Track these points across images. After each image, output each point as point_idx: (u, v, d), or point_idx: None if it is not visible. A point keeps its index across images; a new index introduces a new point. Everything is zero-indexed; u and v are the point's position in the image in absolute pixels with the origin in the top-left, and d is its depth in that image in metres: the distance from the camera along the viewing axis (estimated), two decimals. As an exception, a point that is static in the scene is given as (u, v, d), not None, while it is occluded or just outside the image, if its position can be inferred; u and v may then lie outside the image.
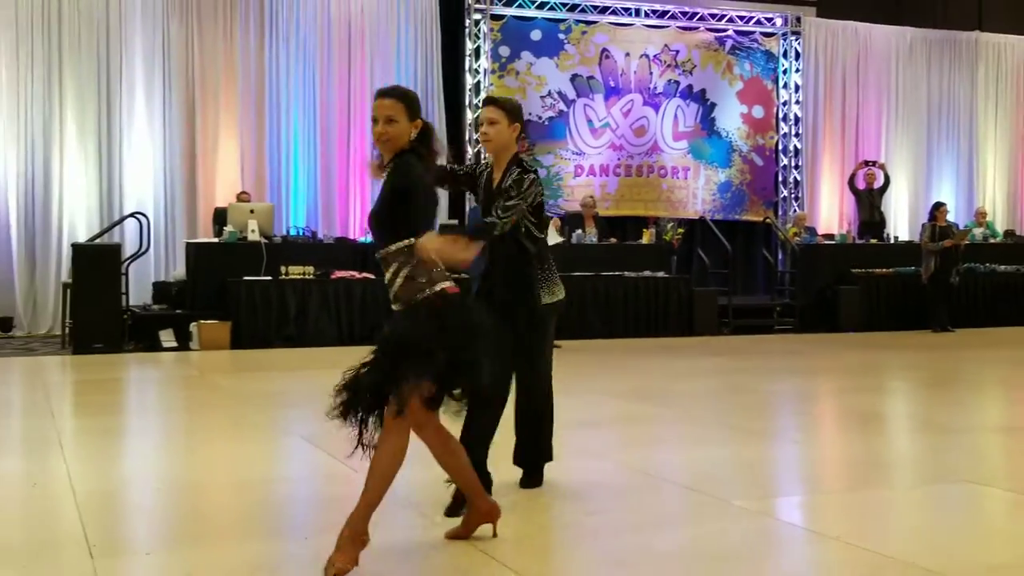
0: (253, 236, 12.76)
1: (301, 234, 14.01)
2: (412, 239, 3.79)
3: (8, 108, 13.96)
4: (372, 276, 12.75)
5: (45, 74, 14.08)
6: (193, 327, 12.21)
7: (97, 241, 12.96)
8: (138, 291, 13.59)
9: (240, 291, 12.25)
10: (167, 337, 12.29)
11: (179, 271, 13.62)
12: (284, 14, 15.25)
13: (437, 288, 3.81)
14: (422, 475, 4.53)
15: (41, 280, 14.10)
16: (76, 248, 12.43)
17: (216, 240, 13.13)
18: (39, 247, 14.10)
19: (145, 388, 9.93)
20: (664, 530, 4.47)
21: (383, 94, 4.04)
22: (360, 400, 3.76)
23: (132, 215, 13.54)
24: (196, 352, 11.94)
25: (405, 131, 3.94)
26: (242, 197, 14.06)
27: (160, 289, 13.65)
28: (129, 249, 13.07)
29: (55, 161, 14.13)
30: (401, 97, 4.00)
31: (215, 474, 5.80)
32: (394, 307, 3.90)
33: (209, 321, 12.16)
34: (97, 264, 12.02)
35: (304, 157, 15.39)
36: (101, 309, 11.87)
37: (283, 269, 12.60)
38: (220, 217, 13.49)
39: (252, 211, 13.08)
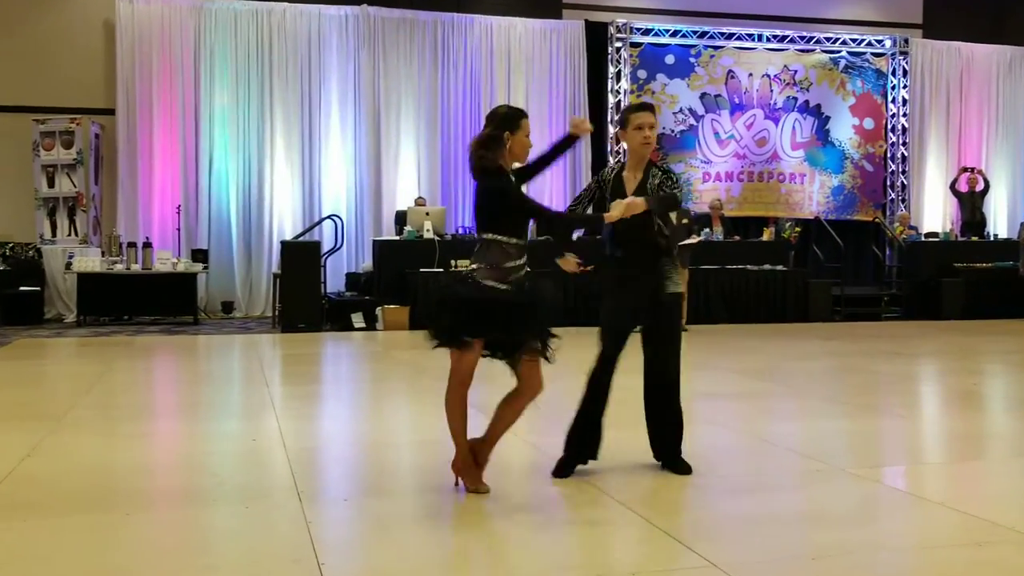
0: (428, 234, 12.97)
1: (468, 233, 14.20)
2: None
3: (230, 128, 14.54)
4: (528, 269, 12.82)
5: (259, 99, 14.61)
6: (379, 311, 12.49)
7: (301, 239, 13.38)
8: (334, 280, 13.99)
9: (417, 281, 12.48)
10: (357, 319, 12.59)
11: (367, 264, 13.95)
12: (454, 44, 15.44)
13: None
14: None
15: (256, 271, 14.62)
16: (284, 244, 12.87)
17: (397, 238, 13.39)
18: (254, 243, 14.62)
19: (340, 361, 10.22)
20: (783, 492, 4.39)
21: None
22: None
23: (329, 217, 13.93)
24: (381, 332, 12.22)
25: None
26: (419, 202, 14.31)
27: (352, 279, 14.01)
28: (326, 245, 13.43)
29: (267, 172, 14.64)
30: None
31: (399, 434, 5.96)
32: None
33: (392, 306, 12.42)
34: (300, 258, 12.41)
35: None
36: (304, 295, 12.26)
37: (453, 262, 12.77)
38: (400, 218, 13.75)
39: (427, 213, 13.30)
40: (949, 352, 10.47)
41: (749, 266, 13.72)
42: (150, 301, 13.02)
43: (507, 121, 4.18)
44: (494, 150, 4.12)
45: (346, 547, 3.63)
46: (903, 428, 6.16)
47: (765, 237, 14.75)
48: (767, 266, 13.87)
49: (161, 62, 14.31)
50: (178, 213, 14.10)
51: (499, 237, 4.13)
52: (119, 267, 12.98)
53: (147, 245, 13.24)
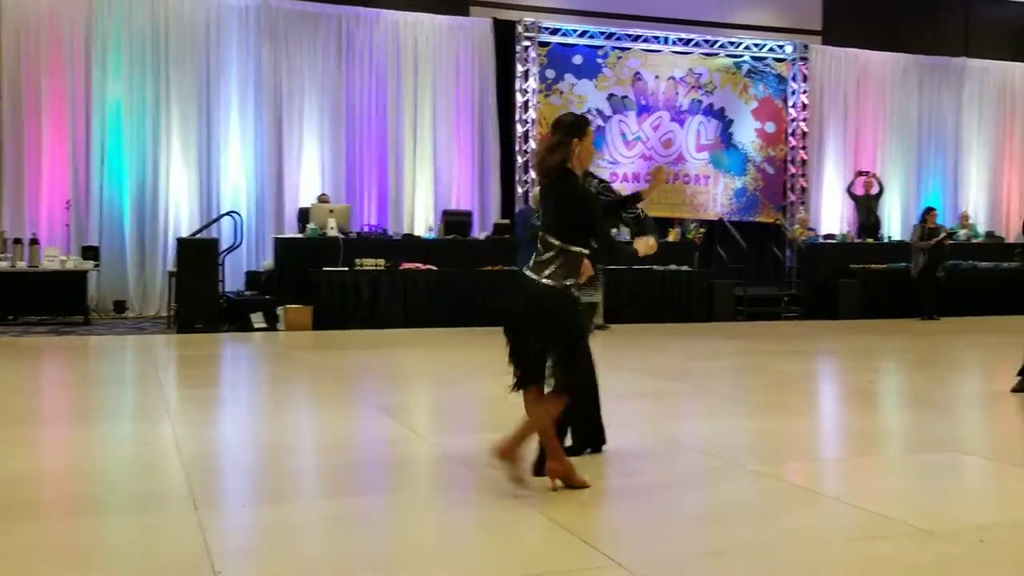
0: (332, 232, 12.83)
1: (374, 231, 14.09)
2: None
3: (124, 120, 14.11)
4: (435, 268, 12.83)
5: (154, 90, 14.21)
6: (280, 311, 12.30)
7: (198, 236, 13.09)
8: (233, 279, 13.72)
9: (320, 280, 12.34)
10: (257, 319, 12.39)
11: (268, 262, 13.73)
12: (359, 39, 15.29)
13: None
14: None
15: (150, 269, 14.22)
16: (180, 242, 12.58)
17: (300, 236, 13.22)
18: (148, 240, 14.23)
19: (239, 363, 10.02)
20: (686, 490, 4.46)
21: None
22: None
23: (228, 214, 13.66)
24: (282, 332, 12.04)
25: None
26: (322, 199, 14.14)
27: (252, 278, 13.77)
28: (225, 243, 13.19)
29: (162, 166, 14.26)
30: None
31: (299, 438, 5.85)
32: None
33: (294, 305, 12.25)
34: (198, 256, 12.15)
35: (376, 164, 15.44)
36: (201, 295, 12.01)
37: (357, 261, 12.67)
38: (303, 215, 13.57)
39: (331, 211, 13.15)
40: (846, 351, 10.79)
41: (655, 267, 13.93)
42: (37, 300, 12.57)
43: (574, 128, 4.27)
44: (560, 155, 4.18)
45: (243, 555, 3.54)
46: (803, 425, 6.31)
47: (671, 238, 14.98)
48: (673, 266, 14.10)
49: (50, 50, 13.81)
50: (67, 208, 13.63)
51: (575, 248, 4.17)
52: (3, 264, 12.49)
53: (34, 241, 12.78)
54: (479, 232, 14.65)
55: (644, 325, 13.12)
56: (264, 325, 12.33)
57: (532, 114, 16.21)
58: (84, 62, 13.92)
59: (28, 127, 13.72)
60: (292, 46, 14.88)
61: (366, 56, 15.31)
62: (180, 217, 14.33)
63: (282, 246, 13.06)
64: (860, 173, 17.03)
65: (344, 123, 15.18)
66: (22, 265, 12.52)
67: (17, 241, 12.77)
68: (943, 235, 14.67)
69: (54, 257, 12.72)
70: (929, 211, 15.02)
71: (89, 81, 13.93)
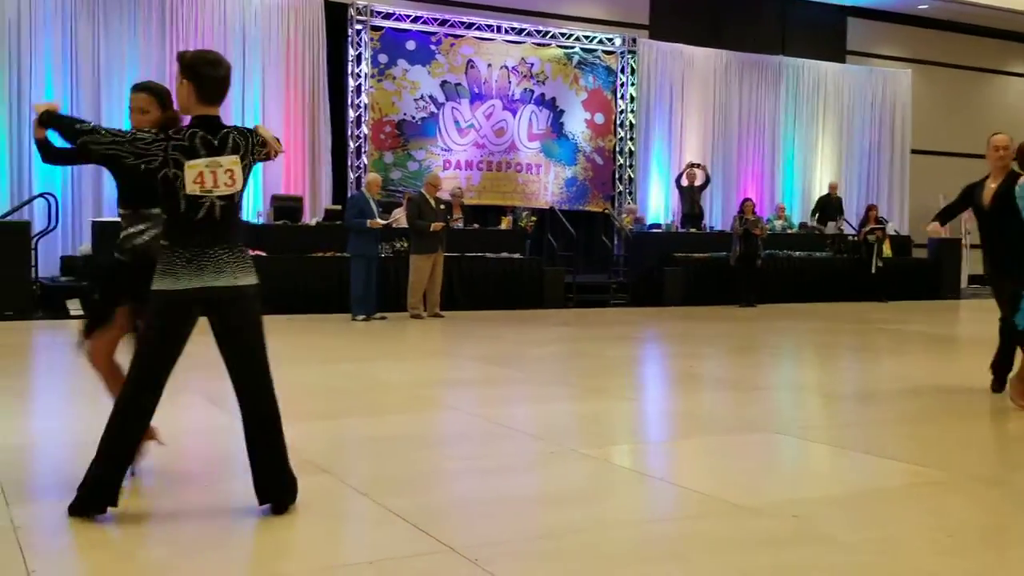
0: (154, 216, 12.30)
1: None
2: None
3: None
4: (264, 253, 12.51)
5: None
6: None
7: (8, 218, 12.34)
8: (48, 265, 13.00)
9: (142, 265, 11.82)
10: (74, 306, 11.80)
11: (85, 246, 13.06)
12: (183, 16, 14.70)
13: None
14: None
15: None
16: (-12, 224, 11.83)
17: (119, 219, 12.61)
18: (-47, 223, 13.32)
19: (53, 351, 9.50)
20: (516, 474, 4.51)
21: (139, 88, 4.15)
22: None
23: (41, 195, 12.92)
24: (101, 320, 11.48)
25: (159, 120, 3.94)
26: (144, 181, 13.52)
27: (68, 263, 13.09)
28: (38, 226, 12.47)
29: (-32, 145, 13.38)
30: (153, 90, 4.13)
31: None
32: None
33: (113, 292, 11.70)
34: (8, 239, 11.47)
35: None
36: (11, 280, 11.33)
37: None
38: (124, 199, 12.95)
39: (154, 194, 12.60)
40: (670, 336, 11.19)
41: (488, 254, 14.03)
42: None
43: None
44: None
45: (59, 552, 3.36)
46: (629, 409, 6.51)
47: (503, 226, 15.14)
48: (504, 254, 14.24)
49: None
50: None
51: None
52: None
53: None
54: (310, 218, 14.38)
55: (477, 312, 13.21)
56: (81, 312, 11.73)
57: (364, 99, 16.02)
58: None
59: None
60: (111, 21, 14.17)
61: (191, 34, 14.72)
62: (-12, 198, 13.47)
63: (100, 230, 12.43)
64: (691, 165, 17.64)
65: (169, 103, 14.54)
66: None
67: None
68: (757, 226, 15.39)
69: None
70: (746, 202, 15.75)
71: None
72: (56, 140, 3.92)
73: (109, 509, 3.58)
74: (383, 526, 3.61)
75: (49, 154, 4.14)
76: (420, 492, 4.10)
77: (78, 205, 13.97)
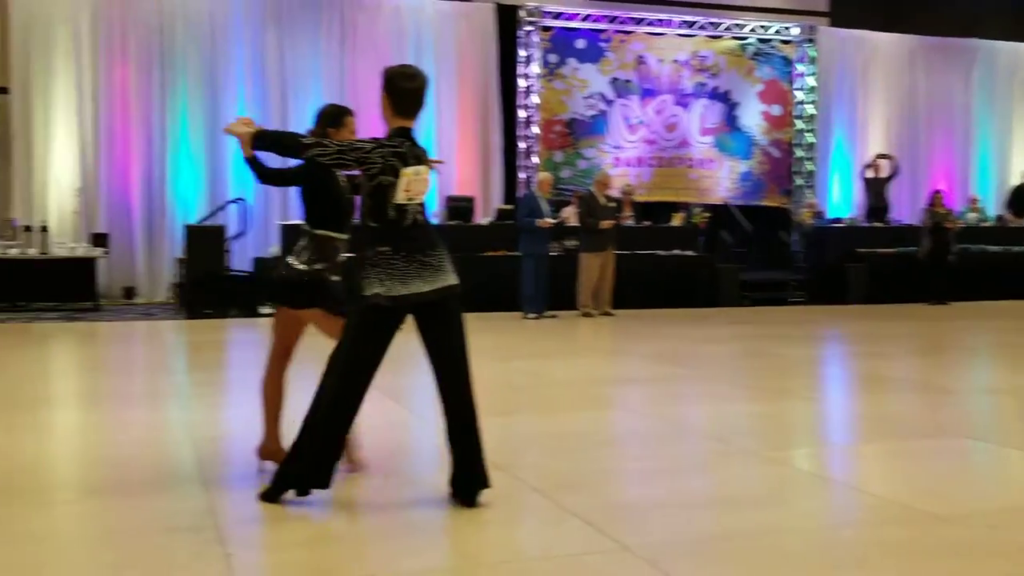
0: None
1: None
2: None
3: (132, 107, 14.15)
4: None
5: (160, 76, 14.24)
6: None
7: (205, 223, 13.10)
8: (241, 266, 13.73)
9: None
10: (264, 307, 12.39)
11: (275, 248, 13.71)
12: (362, 25, 15.26)
13: None
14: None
15: (157, 255, 14.29)
16: (188, 228, 12.59)
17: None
18: (156, 227, 14.29)
19: (244, 349, 9.99)
20: (693, 475, 4.45)
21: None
22: None
23: (234, 200, 13.67)
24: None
25: None
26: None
27: (259, 263, 13.74)
28: (232, 230, 13.18)
29: (170, 153, 14.31)
30: None
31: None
32: None
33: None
34: (205, 242, 12.18)
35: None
36: (209, 281, 12.02)
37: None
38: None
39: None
40: (854, 336, 10.77)
41: (659, 251, 13.89)
42: (47, 287, 12.60)
43: (330, 119, 4.42)
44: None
45: (252, 536, 3.54)
46: (809, 410, 6.31)
47: (675, 222, 14.95)
48: (676, 251, 14.06)
49: (59, 38, 13.84)
50: (77, 196, 13.67)
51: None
52: (14, 252, 12.54)
53: (44, 229, 12.84)
54: (482, 217, 14.63)
55: (648, 311, 13.08)
56: (272, 311, 12.29)
57: (534, 99, 16.16)
58: (91, 50, 13.94)
59: (37, 115, 13.76)
60: (296, 32, 14.87)
61: (368, 42, 15.27)
62: (188, 204, 14.36)
63: (287, 231, 13.02)
64: (880, 156, 16.93)
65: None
66: (32, 252, 12.59)
67: (27, 228, 12.85)
68: (948, 219, 14.62)
69: (64, 244, 12.80)
70: (936, 194, 14.97)
71: (96, 68, 13.95)
72: (266, 159, 4.14)
73: (297, 498, 3.75)
74: (557, 523, 3.63)
75: (264, 175, 4.38)
76: (594, 490, 4.10)
77: (268, 210, 14.72)
